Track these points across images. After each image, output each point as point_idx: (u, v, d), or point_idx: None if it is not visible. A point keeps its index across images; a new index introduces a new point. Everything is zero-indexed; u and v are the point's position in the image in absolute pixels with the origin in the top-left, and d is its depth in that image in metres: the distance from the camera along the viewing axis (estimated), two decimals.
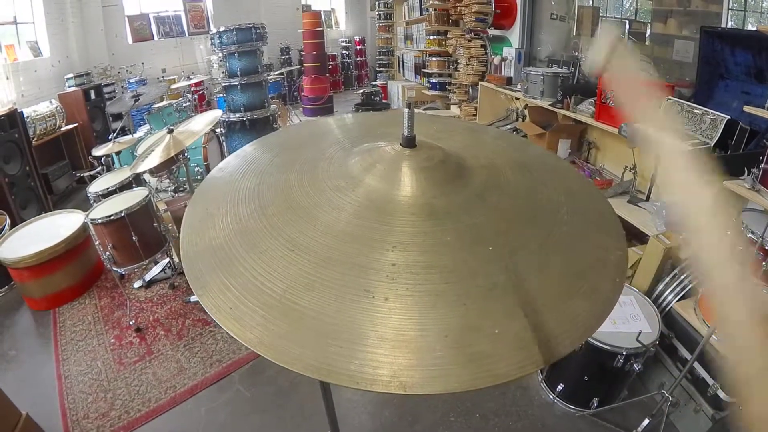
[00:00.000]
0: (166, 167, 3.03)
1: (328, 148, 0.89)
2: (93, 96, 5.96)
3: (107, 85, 6.83)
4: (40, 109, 5.00)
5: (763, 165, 1.89)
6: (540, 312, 0.57)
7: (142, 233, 2.91)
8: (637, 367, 1.99)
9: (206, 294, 0.60)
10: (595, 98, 3.09)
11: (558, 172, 0.94)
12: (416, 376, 0.49)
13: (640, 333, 1.94)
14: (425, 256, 0.62)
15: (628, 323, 2.07)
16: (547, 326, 0.56)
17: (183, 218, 0.77)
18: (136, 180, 3.53)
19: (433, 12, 6.10)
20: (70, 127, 5.38)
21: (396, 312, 0.55)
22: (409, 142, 0.75)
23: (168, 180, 3.68)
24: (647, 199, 2.85)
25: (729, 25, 2.54)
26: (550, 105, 3.62)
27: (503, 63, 4.83)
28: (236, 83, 4.22)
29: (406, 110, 0.72)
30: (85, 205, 3.88)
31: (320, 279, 0.59)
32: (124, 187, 3.35)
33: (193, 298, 3.18)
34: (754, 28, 2.39)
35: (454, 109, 5.91)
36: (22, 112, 4.47)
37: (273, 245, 0.64)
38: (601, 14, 3.66)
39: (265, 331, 0.54)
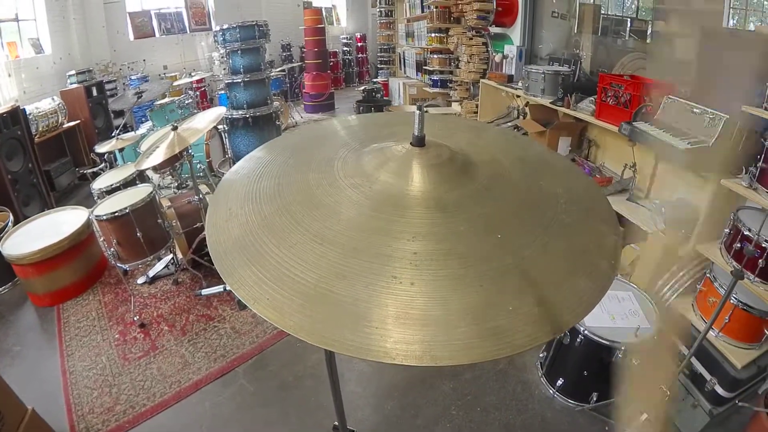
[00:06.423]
0: (170, 164, 3.04)
1: (339, 148, 0.93)
2: (95, 93, 5.97)
3: (109, 82, 6.83)
4: (42, 106, 5.01)
5: (760, 164, 1.92)
6: (547, 289, 0.64)
7: (147, 230, 2.93)
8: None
9: (242, 287, 0.64)
10: (596, 96, 3.11)
11: (556, 167, 1.00)
12: (445, 350, 0.55)
13: (638, 328, 1.97)
14: (443, 245, 0.68)
15: (626, 319, 2.10)
16: (554, 301, 0.63)
17: (206, 218, 0.80)
18: (140, 177, 3.55)
19: (434, 9, 6.10)
20: (72, 124, 5.40)
21: (422, 295, 0.60)
22: (420, 142, 0.79)
23: (170, 177, 3.70)
24: (646, 197, 2.87)
25: (730, 24, 2.55)
26: (550, 103, 3.64)
27: (504, 61, 4.85)
28: (239, 80, 4.24)
29: (417, 112, 0.76)
30: (87, 202, 3.91)
31: (350, 268, 0.63)
32: (127, 183, 3.36)
33: (205, 292, 3.20)
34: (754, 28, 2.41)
35: (455, 107, 5.92)
36: (24, 109, 4.47)
37: (302, 240, 0.69)
38: (602, 12, 3.67)
39: (303, 317, 0.59)
